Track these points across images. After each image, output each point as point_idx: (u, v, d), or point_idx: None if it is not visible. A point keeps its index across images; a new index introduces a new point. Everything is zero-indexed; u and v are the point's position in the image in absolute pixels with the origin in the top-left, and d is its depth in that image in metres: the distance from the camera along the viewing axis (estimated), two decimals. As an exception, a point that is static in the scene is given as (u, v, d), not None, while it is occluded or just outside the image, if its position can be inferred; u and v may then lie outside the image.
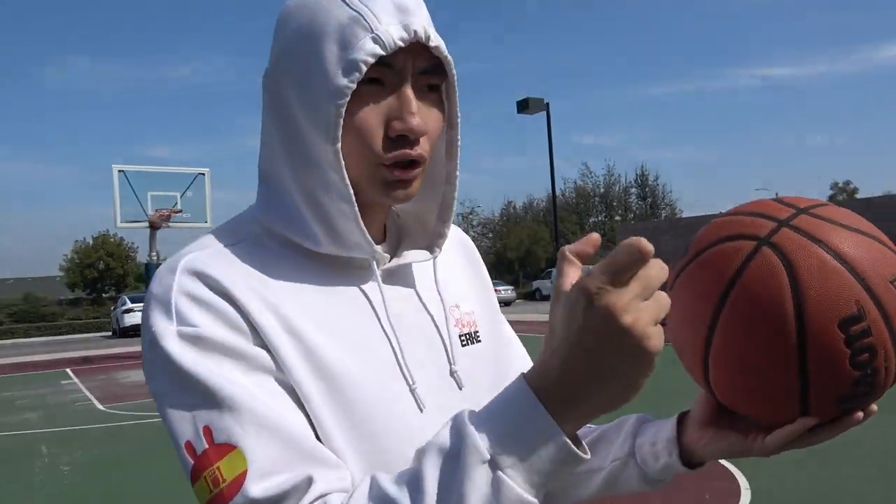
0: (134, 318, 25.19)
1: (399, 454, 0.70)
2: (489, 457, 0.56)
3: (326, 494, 0.63)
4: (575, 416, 0.57)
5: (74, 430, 7.85)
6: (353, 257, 0.77)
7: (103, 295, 43.34)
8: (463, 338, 0.85)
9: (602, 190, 53.17)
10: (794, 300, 0.62)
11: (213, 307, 0.68)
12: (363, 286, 0.78)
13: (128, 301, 26.98)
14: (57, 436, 7.56)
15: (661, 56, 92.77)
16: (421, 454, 0.60)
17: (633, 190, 52.68)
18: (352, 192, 0.72)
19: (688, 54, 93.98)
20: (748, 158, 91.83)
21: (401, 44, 0.69)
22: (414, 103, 0.71)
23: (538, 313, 24.98)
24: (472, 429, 0.57)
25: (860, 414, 0.68)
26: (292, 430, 0.66)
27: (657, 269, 0.55)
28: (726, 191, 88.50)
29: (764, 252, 0.66)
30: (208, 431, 0.64)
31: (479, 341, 0.87)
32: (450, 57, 0.74)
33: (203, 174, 17.70)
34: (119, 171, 16.68)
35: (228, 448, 0.63)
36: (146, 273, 17.70)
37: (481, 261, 0.99)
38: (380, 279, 0.77)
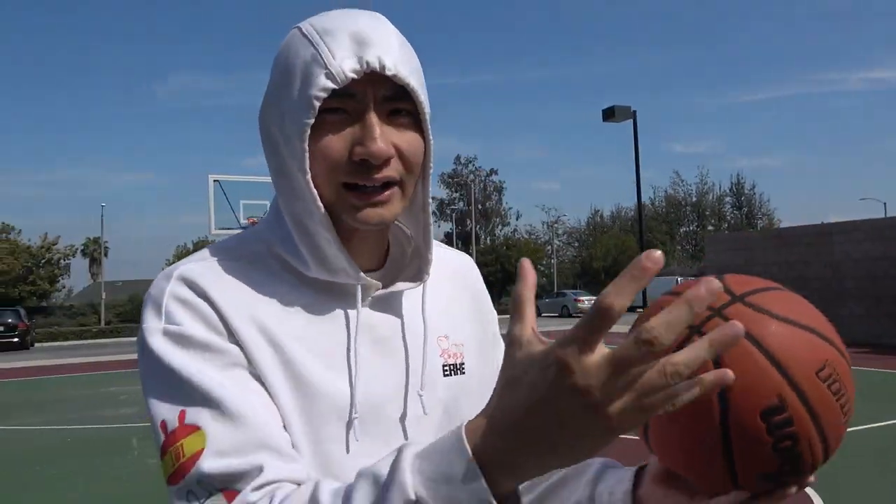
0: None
1: (338, 469, 0.77)
2: (413, 498, 0.56)
3: (274, 482, 0.69)
4: (512, 480, 0.56)
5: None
6: (340, 282, 0.81)
7: (201, 298, 45.66)
8: (446, 368, 0.88)
9: (694, 199, 51.48)
10: (720, 390, 0.62)
11: (197, 310, 0.76)
12: (349, 310, 0.82)
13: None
14: (148, 431, 8.04)
15: (755, 60, 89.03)
16: (360, 476, 0.62)
17: (728, 199, 50.74)
18: (329, 219, 0.77)
19: (786, 57, 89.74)
20: (853, 167, 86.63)
21: (353, 76, 0.73)
22: (377, 129, 0.74)
23: (625, 324, 24.38)
24: (405, 465, 0.57)
25: (793, 489, 0.69)
26: (254, 421, 0.72)
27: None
28: (828, 201, 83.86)
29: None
30: (182, 415, 0.72)
31: (464, 373, 0.90)
32: (412, 82, 0.76)
33: (291, 183, 18.42)
34: (214, 180, 17.58)
35: (193, 429, 0.71)
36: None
37: (484, 289, 1.02)
38: (359, 304, 0.81)
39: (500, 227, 61.55)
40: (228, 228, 17.48)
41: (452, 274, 0.96)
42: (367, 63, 0.73)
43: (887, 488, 4.79)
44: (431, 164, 0.83)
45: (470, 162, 60.97)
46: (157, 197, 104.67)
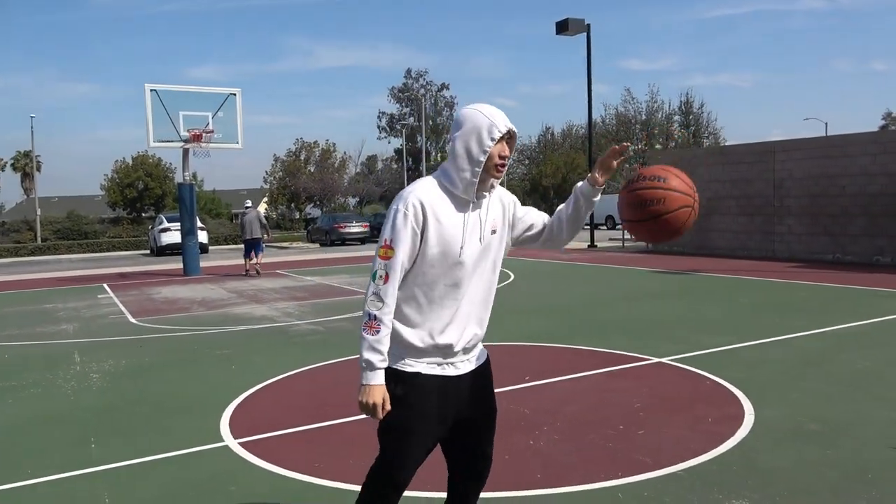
0: (171, 238, 25.65)
1: (467, 293, 2.24)
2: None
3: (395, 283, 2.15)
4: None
5: (106, 341, 8.15)
6: (467, 199, 2.21)
7: (142, 214, 44.22)
8: (493, 230, 2.29)
9: (644, 117, 51.51)
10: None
11: (416, 206, 2.14)
12: (469, 208, 2.22)
13: (164, 220, 27.47)
14: (90, 346, 7.86)
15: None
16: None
17: (677, 118, 50.94)
18: (478, 171, 2.17)
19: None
20: (801, 87, 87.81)
21: (505, 131, 2.19)
22: (506, 149, 2.22)
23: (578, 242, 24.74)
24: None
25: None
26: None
27: None
28: (775, 120, 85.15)
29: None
30: (386, 241, 2.14)
31: (495, 233, 2.30)
32: (515, 130, 2.23)
33: (234, 94, 17.61)
34: (151, 90, 16.65)
35: (390, 247, 2.12)
36: (179, 193, 17.99)
37: (509, 198, 2.40)
38: (470, 207, 2.22)
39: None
40: (168, 141, 16.75)
41: (500, 196, 2.37)
42: (508, 128, 2.20)
43: (810, 389, 5.02)
44: (512, 159, 2.50)
45: (421, 76, 59.48)
46: (93, 110, 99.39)
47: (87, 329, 9.11)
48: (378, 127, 60.51)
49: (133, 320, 9.77)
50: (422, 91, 58.02)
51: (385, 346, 2.12)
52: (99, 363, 6.86)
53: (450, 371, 2.24)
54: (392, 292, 2.12)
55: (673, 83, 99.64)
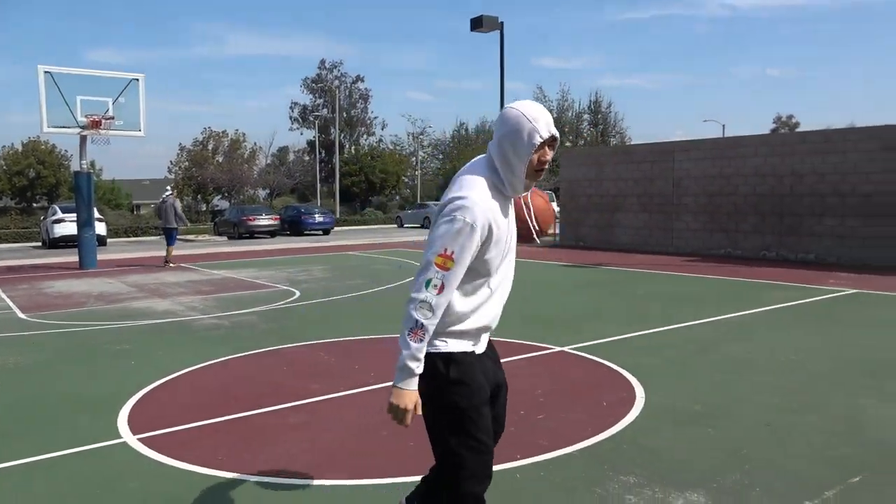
0: (65, 229, 24.21)
1: (501, 278, 2.33)
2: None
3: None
4: None
5: (-8, 337, 7.68)
6: (510, 197, 2.28)
7: (34, 204, 41.66)
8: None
9: (555, 115, 52.82)
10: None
11: (484, 220, 2.14)
12: (507, 210, 2.29)
13: (59, 211, 25.88)
14: (-28, 342, 7.38)
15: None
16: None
17: (586, 116, 52.54)
18: (523, 177, 2.20)
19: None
20: (705, 89, 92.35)
21: (548, 137, 2.17)
22: (548, 153, 2.21)
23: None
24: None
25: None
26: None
27: None
28: (678, 121, 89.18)
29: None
30: (448, 252, 2.10)
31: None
32: (557, 135, 2.20)
33: (137, 79, 16.85)
34: (45, 72, 15.71)
35: (450, 257, 2.10)
36: (75, 182, 17.06)
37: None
38: (511, 202, 2.34)
39: (365, 136, 60.44)
40: (63, 127, 15.86)
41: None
42: (551, 133, 2.17)
43: (696, 374, 5.37)
44: (552, 161, 3.06)
45: (336, 67, 58.73)
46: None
47: (-29, 325, 8.55)
48: (290, 118, 59.29)
49: (22, 315, 9.23)
50: (336, 83, 57.30)
51: (423, 353, 2.14)
52: (-16, 360, 6.47)
53: (478, 349, 2.33)
54: (444, 304, 2.12)
55: (585, 83, 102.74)
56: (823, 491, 3.27)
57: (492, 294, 2.29)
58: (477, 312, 2.26)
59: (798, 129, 52.13)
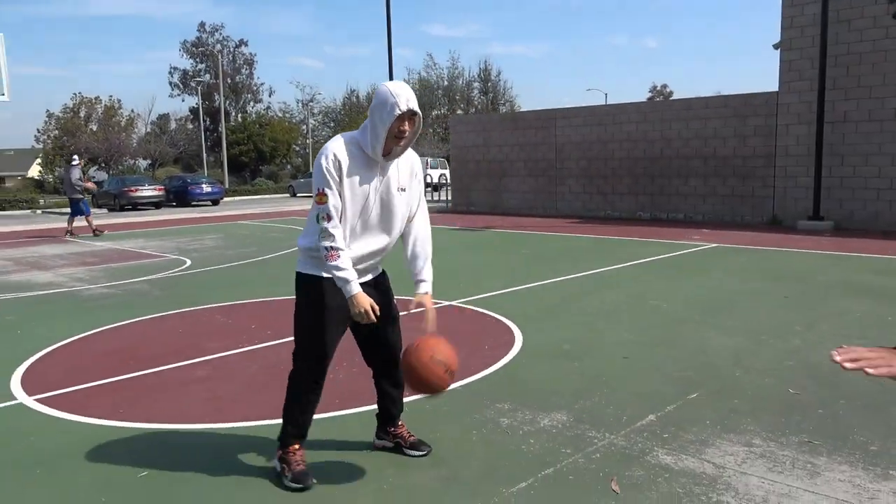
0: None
1: (365, 230, 2.93)
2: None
3: (337, 225, 2.80)
4: None
5: None
6: (375, 159, 2.83)
7: None
8: (400, 189, 2.94)
9: (445, 83, 53.15)
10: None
11: (334, 160, 2.79)
12: (377, 168, 2.86)
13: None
14: None
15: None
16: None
17: (476, 84, 53.23)
18: (383, 141, 2.80)
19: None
20: (587, 58, 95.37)
21: (406, 110, 2.75)
22: (406, 124, 2.80)
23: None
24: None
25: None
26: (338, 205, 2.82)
27: None
28: (563, 89, 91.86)
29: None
30: (320, 190, 2.79)
31: (404, 191, 2.95)
32: (419, 110, 2.80)
33: (-3, 40, 15.71)
34: None
35: (324, 194, 2.78)
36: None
37: (418, 167, 3.00)
38: (380, 167, 2.86)
39: (251, 103, 58.54)
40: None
41: (408, 159, 2.98)
42: (409, 107, 2.76)
43: (567, 320, 5.98)
44: (418, 132, 2.90)
45: (217, 30, 56.28)
46: None
47: None
48: (170, 83, 56.47)
49: None
50: (218, 47, 54.98)
51: (348, 264, 2.78)
52: None
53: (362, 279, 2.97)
54: (336, 225, 2.77)
55: (474, 50, 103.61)
56: (666, 406, 3.87)
57: (356, 239, 2.88)
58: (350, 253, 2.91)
59: (671, 98, 55.19)
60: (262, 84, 58.94)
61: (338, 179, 2.77)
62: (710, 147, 14.93)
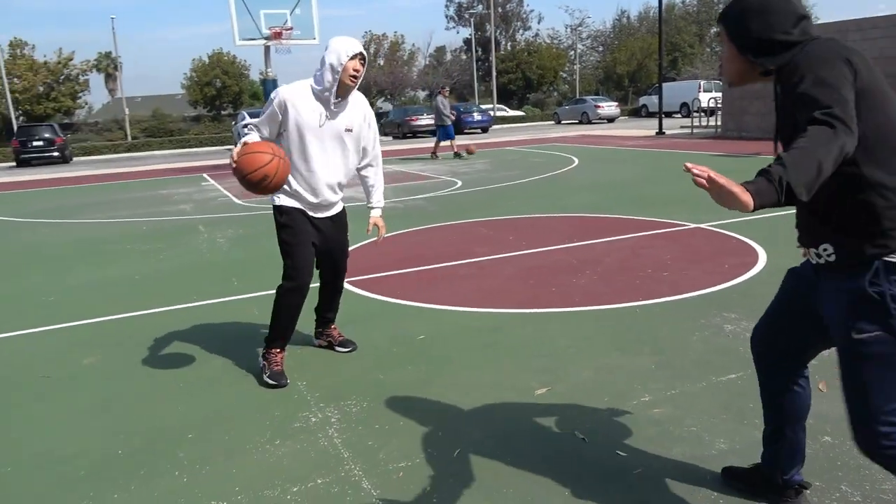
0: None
1: (319, 164, 3.55)
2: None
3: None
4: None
5: (221, 217, 9.58)
6: (327, 97, 3.41)
7: (222, 112, 46.08)
8: (348, 130, 3.53)
9: (726, -3, 48.74)
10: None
11: (280, 101, 3.44)
12: (329, 106, 3.45)
13: (247, 116, 28.72)
14: (210, 220, 9.30)
15: None
16: None
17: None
18: (337, 81, 3.39)
19: None
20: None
21: (356, 53, 3.39)
22: (358, 64, 3.40)
23: (640, 129, 24.92)
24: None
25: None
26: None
27: None
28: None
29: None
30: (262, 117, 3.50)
31: (351, 131, 3.55)
32: (365, 53, 3.44)
33: (310, -10, 18.23)
34: (232, -11, 17.47)
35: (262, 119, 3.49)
36: (263, 88, 19.15)
37: (370, 113, 3.65)
38: (331, 105, 3.44)
39: (521, 31, 59.51)
40: (251, 39, 17.71)
41: (358, 102, 3.60)
42: (357, 50, 3.39)
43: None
44: (363, 73, 3.47)
45: (490, -40, 57.53)
46: (169, 8, 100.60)
47: (202, 208, 10.60)
48: (446, 16, 59.85)
49: (238, 201, 11.20)
50: (491, -23, 56.32)
51: (254, 138, 3.31)
52: (221, 231, 8.27)
53: (308, 210, 3.55)
54: (253, 132, 3.40)
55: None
56: None
57: (310, 174, 3.47)
58: (298, 184, 3.48)
59: None
60: (531, 11, 59.55)
61: (277, 115, 3.38)
62: None
